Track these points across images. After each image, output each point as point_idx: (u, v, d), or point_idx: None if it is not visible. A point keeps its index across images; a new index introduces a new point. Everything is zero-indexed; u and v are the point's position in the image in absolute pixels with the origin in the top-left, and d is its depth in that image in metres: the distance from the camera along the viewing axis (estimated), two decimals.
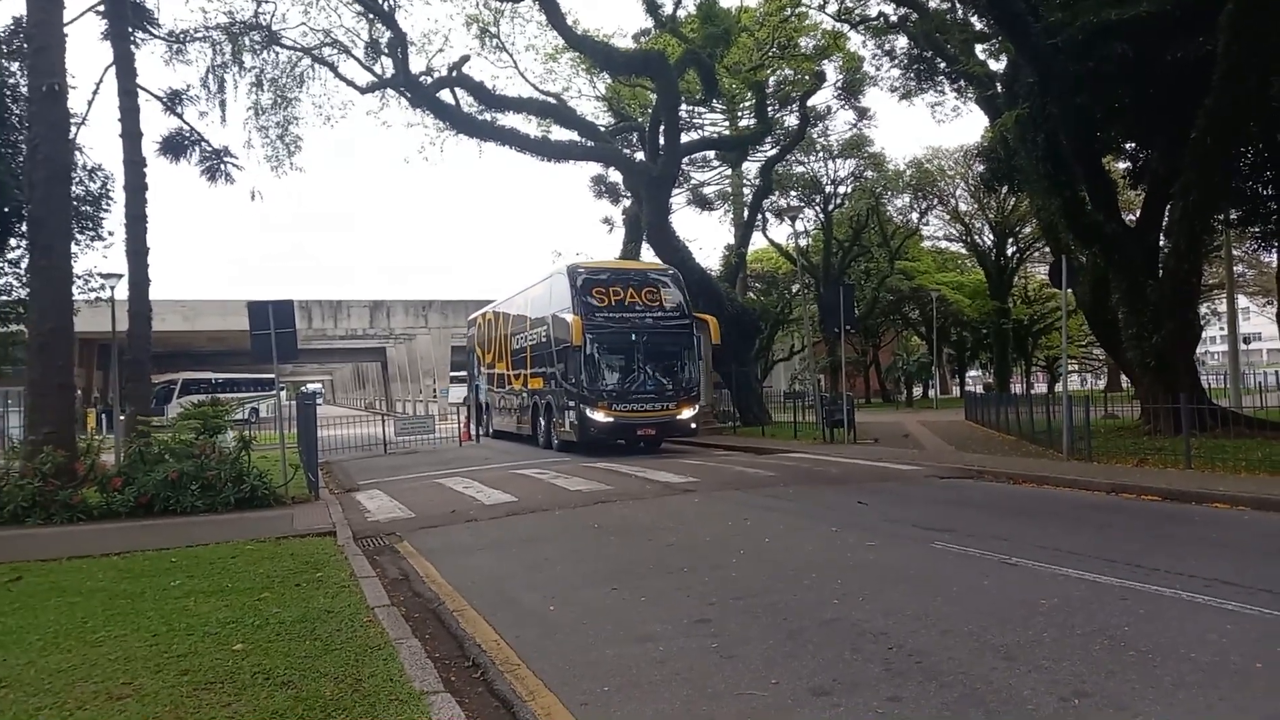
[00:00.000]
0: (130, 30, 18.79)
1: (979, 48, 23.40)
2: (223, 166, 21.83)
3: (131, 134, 17.31)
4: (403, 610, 6.27)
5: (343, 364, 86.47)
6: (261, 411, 46.20)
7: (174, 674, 4.85)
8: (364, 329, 47.71)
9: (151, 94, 20.96)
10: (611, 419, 18.57)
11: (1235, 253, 29.62)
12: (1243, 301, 42.24)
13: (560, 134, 28.48)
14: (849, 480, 13.09)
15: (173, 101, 21.46)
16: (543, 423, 21.29)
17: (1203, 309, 36.38)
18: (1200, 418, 14.82)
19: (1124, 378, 30.80)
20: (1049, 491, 11.62)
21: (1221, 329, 39.76)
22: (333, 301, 45.93)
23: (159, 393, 42.58)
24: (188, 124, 21.80)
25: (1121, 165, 24.63)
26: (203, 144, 21.75)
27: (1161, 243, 18.83)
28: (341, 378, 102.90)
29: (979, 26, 22.34)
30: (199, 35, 22.65)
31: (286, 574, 7.46)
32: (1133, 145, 21.51)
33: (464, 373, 62.22)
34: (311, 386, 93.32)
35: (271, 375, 15.03)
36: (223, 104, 23.14)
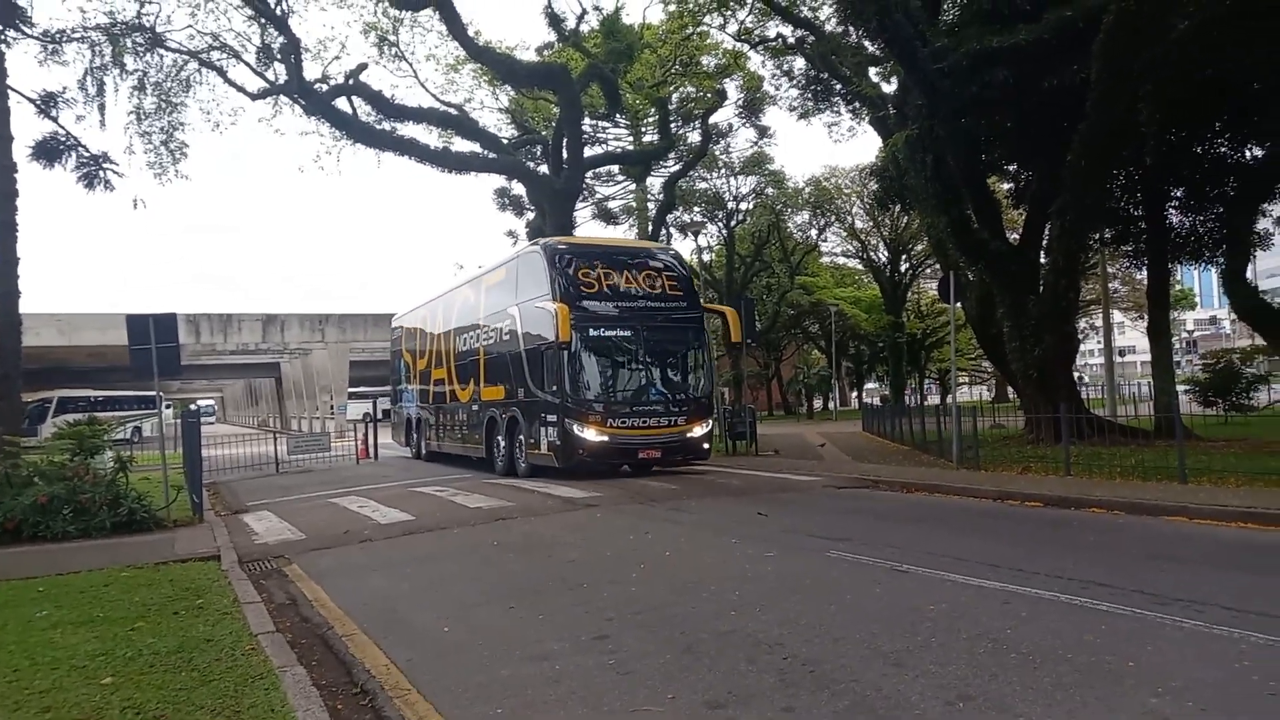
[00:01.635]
0: (1, 29, 17.71)
1: (872, 70, 24.21)
2: (101, 173, 20.63)
3: (0, 136, 16.28)
4: (289, 637, 6.01)
5: (234, 380, 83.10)
6: (145, 430, 43.95)
7: (34, 711, 4.53)
8: (256, 344, 45.99)
9: (23, 96, 19.75)
10: (606, 438, 14.79)
11: (1110, 270, 31.37)
12: (1117, 316, 44.74)
13: (462, 145, 28.14)
14: (750, 492, 13.25)
15: (47, 104, 20.23)
16: (501, 443, 17.36)
17: (1081, 323, 38.41)
18: (1079, 427, 15.58)
19: (1010, 389, 32.19)
20: (939, 500, 12.00)
21: (1098, 342, 41.98)
22: (223, 315, 44.16)
23: (32, 412, 40.07)
24: (63, 128, 20.55)
25: (1005, 186, 25.81)
26: (79, 149, 20.53)
27: (1042, 260, 19.77)
28: (233, 394, 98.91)
29: (872, 50, 23.08)
30: (77, 35, 21.41)
31: (164, 601, 7.07)
32: (1015, 167, 22.56)
33: (364, 389, 60.81)
34: (203, 403, 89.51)
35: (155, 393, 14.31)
36: (102, 108, 21.88)
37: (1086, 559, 7.42)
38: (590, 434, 14.73)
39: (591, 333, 15.01)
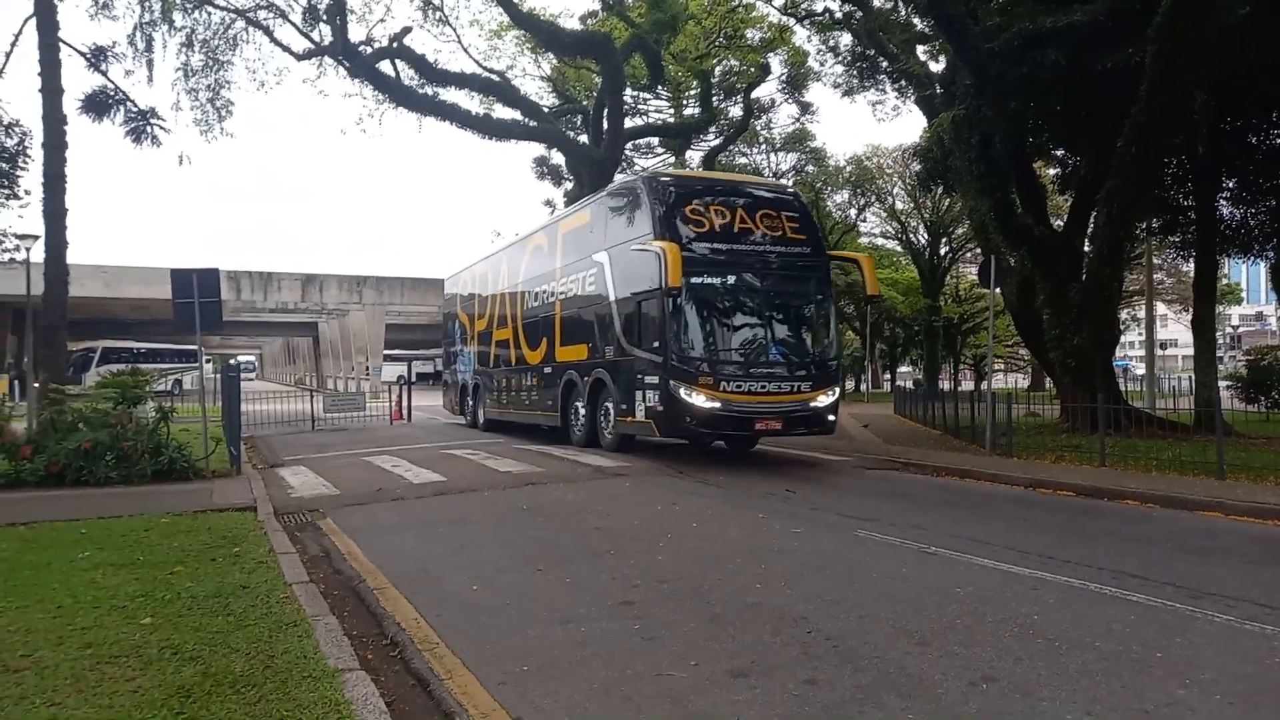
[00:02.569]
0: None
1: (920, 49, 23.79)
2: (149, 128, 20.95)
3: (52, 89, 16.50)
4: (321, 587, 6.15)
5: (273, 338, 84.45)
6: (185, 384, 44.81)
7: (77, 647, 4.68)
8: (295, 303, 46.57)
9: (74, 49, 20.04)
10: (717, 404, 12.50)
11: (1155, 261, 30.78)
12: (1160, 308, 43.91)
13: (503, 113, 28.16)
14: (779, 469, 13.25)
15: (97, 58, 20.54)
16: (581, 410, 15.50)
17: (1123, 314, 37.73)
18: (1116, 418, 15.35)
19: (1047, 377, 31.81)
20: (970, 485, 11.93)
21: (1140, 334, 41.26)
22: (263, 273, 44.73)
23: (77, 360, 41.04)
24: (112, 82, 20.86)
25: (1051, 171, 25.34)
26: (128, 104, 20.85)
27: (1086, 248, 19.42)
28: (271, 352, 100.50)
29: (920, 27, 22.70)
30: None
31: (202, 548, 7.25)
32: (1062, 151, 22.12)
33: (399, 351, 61.42)
34: (244, 359, 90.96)
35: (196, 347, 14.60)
36: (150, 63, 22.21)
37: (1118, 549, 7.36)
38: (699, 399, 12.47)
39: (703, 280, 12.78)
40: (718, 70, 32.63)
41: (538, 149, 33.44)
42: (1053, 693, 4.16)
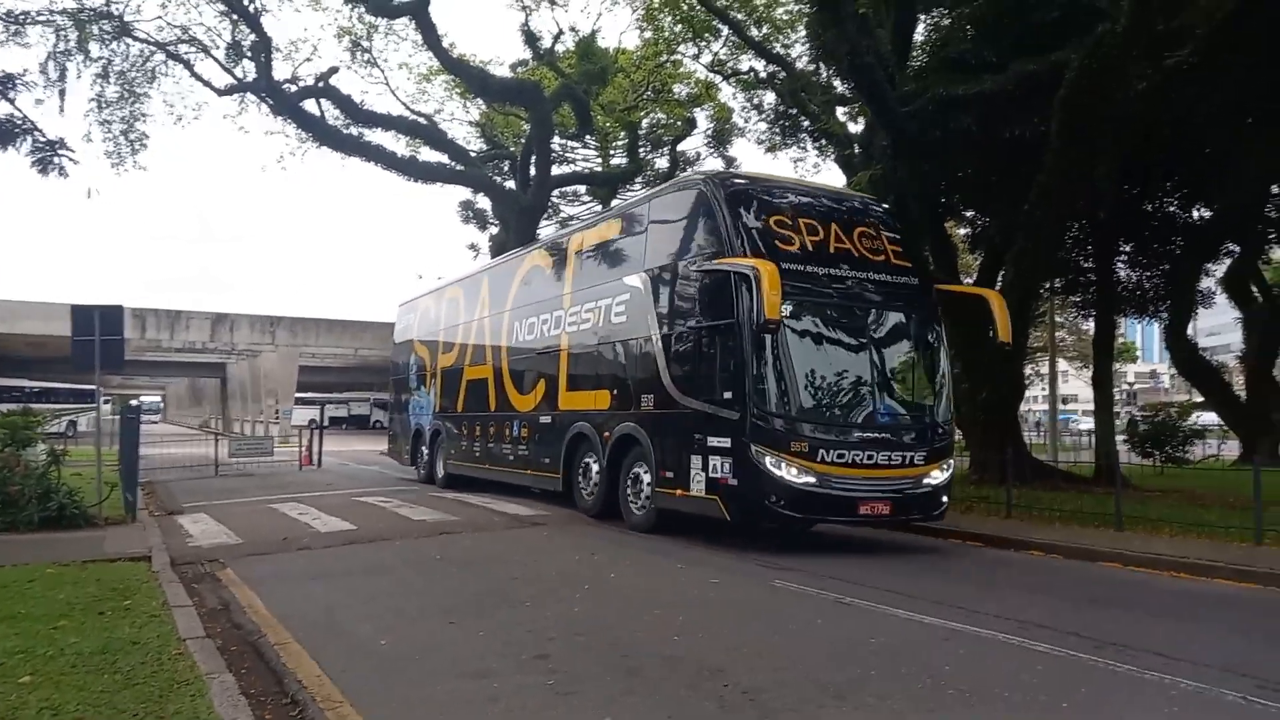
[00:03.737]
0: None
1: (840, 110, 24.63)
2: (56, 159, 20.14)
3: None
4: (219, 643, 5.84)
5: (177, 379, 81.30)
6: (81, 425, 42.70)
7: None
8: (204, 343, 44.98)
9: None
10: (813, 479, 9.51)
11: (1058, 319, 32.18)
12: (1062, 365, 45.79)
13: (430, 155, 28.01)
14: (704, 521, 13.21)
15: (5, 85, 19.76)
16: (595, 473, 12.36)
17: (1028, 369, 39.20)
18: (1021, 470, 15.83)
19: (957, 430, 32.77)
20: (883, 535, 12.08)
21: (1043, 389, 42.91)
22: (171, 311, 43.16)
23: None
24: (20, 111, 20.10)
25: (962, 230, 26.36)
26: (35, 133, 20.11)
27: None
28: (176, 393, 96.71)
29: (841, 90, 23.53)
30: (42, 18, 21.03)
31: (90, 601, 6.83)
32: (972, 212, 23.05)
33: (311, 394, 59.72)
34: (147, 399, 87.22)
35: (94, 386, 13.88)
36: (62, 93, 21.42)
37: (1025, 599, 7.52)
38: (790, 472, 9.43)
39: (798, 314, 9.87)
40: (645, 122, 33.18)
41: (464, 193, 33.32)
42: None
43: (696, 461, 10.19)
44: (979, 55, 16.64)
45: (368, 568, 8.91)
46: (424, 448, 19.13)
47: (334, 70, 24.92)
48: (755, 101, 29.18)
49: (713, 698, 4.83)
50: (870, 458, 9.88)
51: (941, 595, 7.54)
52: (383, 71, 28.57)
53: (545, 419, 14.02)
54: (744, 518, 10.03)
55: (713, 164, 33.52)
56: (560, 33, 28.19)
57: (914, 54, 19.33)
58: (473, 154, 30.35)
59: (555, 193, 32.16)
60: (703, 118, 33.42)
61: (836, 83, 23.08)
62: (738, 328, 9.74)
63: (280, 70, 24.31)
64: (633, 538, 11.09)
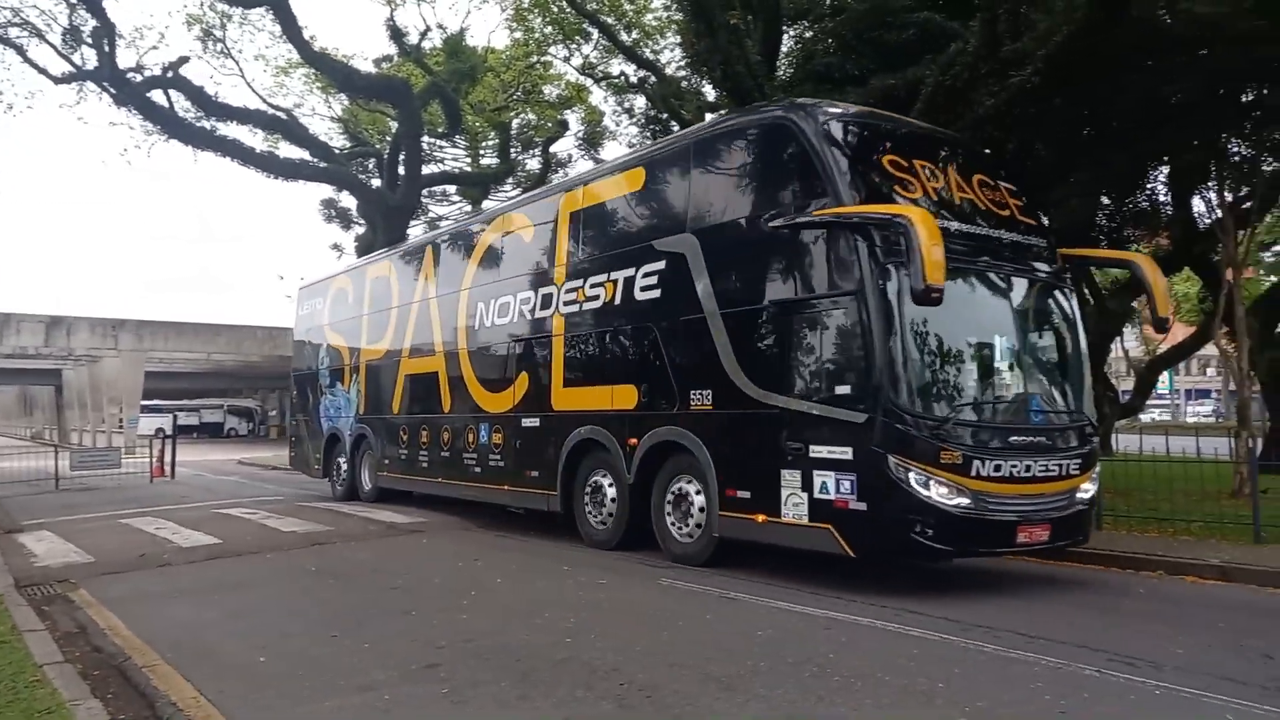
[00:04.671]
0: None
1: (709, 117, 25.16)
2: None
3: None
4: (80, 668, 5.44)
5: (6, 387, 74.95)
6: None
7: None
8: (37, 348, 41.64)
9: None
10: (967, 499, 7.36)
11: None
12: None
13: (290, 151, 26.88)
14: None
15: None
16: (609, 492, 10.03)
17: None
18: None
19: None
20: None
21: None
22: None
23: None
24: None
25: None
26: None
27: None
28: (2, 403, 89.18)
29: (711, 97, 24.06)
30: None
31: None
32: None
33: (159, 401, 56.16)
34: None
35: None
36: None
37: (901, 585, 7.88)
38: (941, 491, 7.27)
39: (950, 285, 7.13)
40: (516, 123, 32.93)
41: (325, 190, 32.13)
42: None
43: (792, 478, 7.80)
44: (842, 69, 17.26)
45: (237, 583, 8.49)
46: (341, 457, 16.22)
47: (184, 60, 23.55)
48: (626, 105, 29.45)
49: (610, 697, 4.86)
50: (1028, 469, 7.68)
51: (820, 585, 7.83)
52: (238, 63, 27.33)
53: (530, 422, 11.36)
54: (875, 552, 7.70)
55: (585, 166, 33.57)
56: (427, 29, 27.62)
57: (781, 65, 20.00)
58: (336, 151, 29.32)
59: (424, 192, 31.48)
60: (575, 120, 33.49)
61: (708, 90, 23.57)
62: (863, 300, 7.37)
63: (125, 58, 22.78)
64: (514, 541, 10.99)
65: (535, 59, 29.23)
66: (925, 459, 7.29)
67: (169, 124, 23.33)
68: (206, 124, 24.00)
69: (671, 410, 9.24)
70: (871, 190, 7.89)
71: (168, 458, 22.89)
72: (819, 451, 7.70)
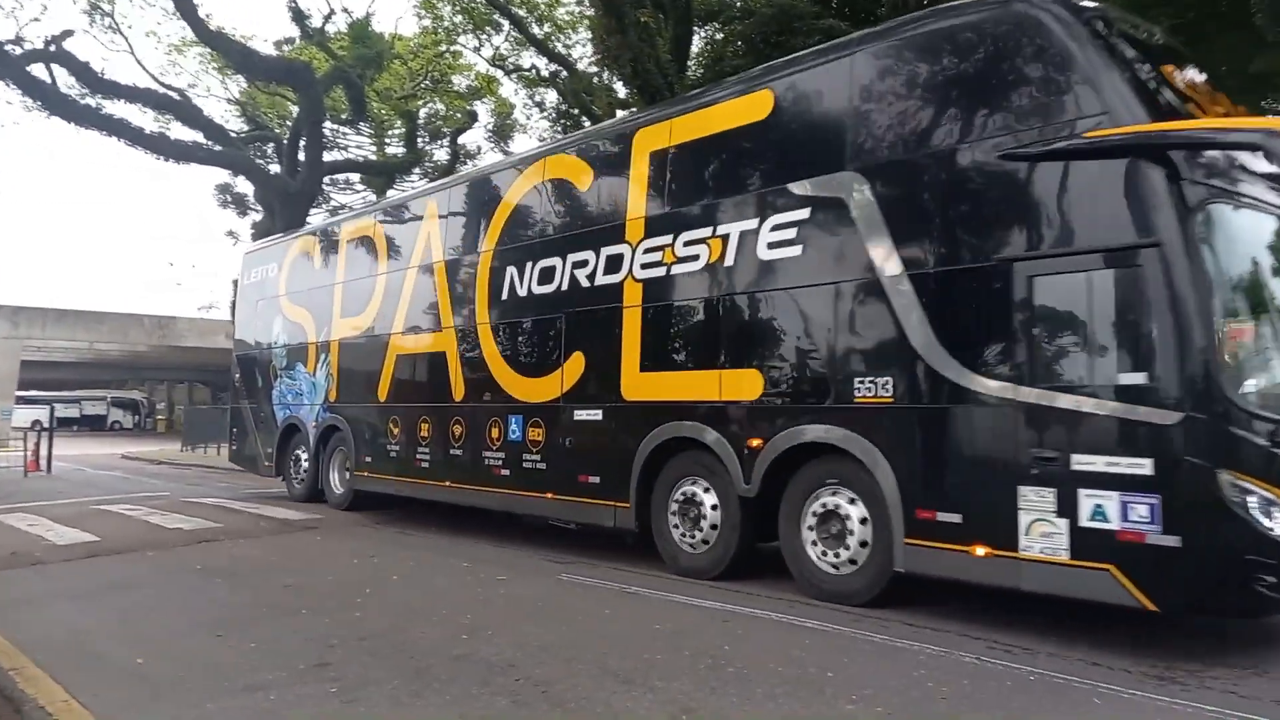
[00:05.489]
0: None
1: (622, 113, 25.25)
2: None
3: None
4: None
5: None
6: None
7: None
8: None
9: None
10: None
11: None
12: None
13: (183, 133, 25.78)
14: (490, 514, 13.09)
15: None
16: (706, 510, 8.00)
17: None
18: None
19: None
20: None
21: None
22: None
23: None
24: None
25: None
26: None
27: None
28: None
29: (622, 94, 24.13)
30: None
31: None
32: None
33: (36, 393, 52.96)
34: None
35: None
36: None
37: (791, 580, 8.05)
38: None
39: (1238, 231, 5.71)
40: (424, 112, 32.41)
41: (221, 175, 30.97)
42: (745, 717, 4.46)
43: (1040, 498, 5.84)
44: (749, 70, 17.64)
45: (117, 583, 8.10)
46: (301, 451, 13.98)
47: (69, 33, 22.37)
48: (537, 99, 29.38)
49: (505, 693, 4.84)
50: None
51: (717, 579, 7.91)
52: (127, 39, 26.13)
53: (586, 415, 9.21)
54: (1190, 604, 5.70)
55: (495, 158, 33.23)
56: (331, 12, 27.05)
57: (691, 65, 20.21)
58: (233, 134, 28.28)
59: (326, 180, 30.67)
60: (484, 111, 33.17)
61: (619, 86, 23.64)
62: (1173, 253, 5.44)
63: (3, 29, 21.50)
64: (415, 539, 10.80)
65: (445, 48, 28.83)
66: (1271, 476, 5.30)
67: (50, 100, 22.10)
68: (92, 101, 22.83)
69: (822, 402, 7.20)
70: (1158, 105, 6.06)
71: (44, 451, 21.66)
72: (1089, 462, 5.68)
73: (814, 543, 7.23)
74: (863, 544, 6.90)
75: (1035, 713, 4.62)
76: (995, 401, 6.12)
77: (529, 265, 10.09)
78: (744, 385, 7.76)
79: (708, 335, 8.22)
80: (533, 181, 10.42)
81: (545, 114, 29.17)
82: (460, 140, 32.75)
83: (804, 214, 7.45)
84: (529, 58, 27.75)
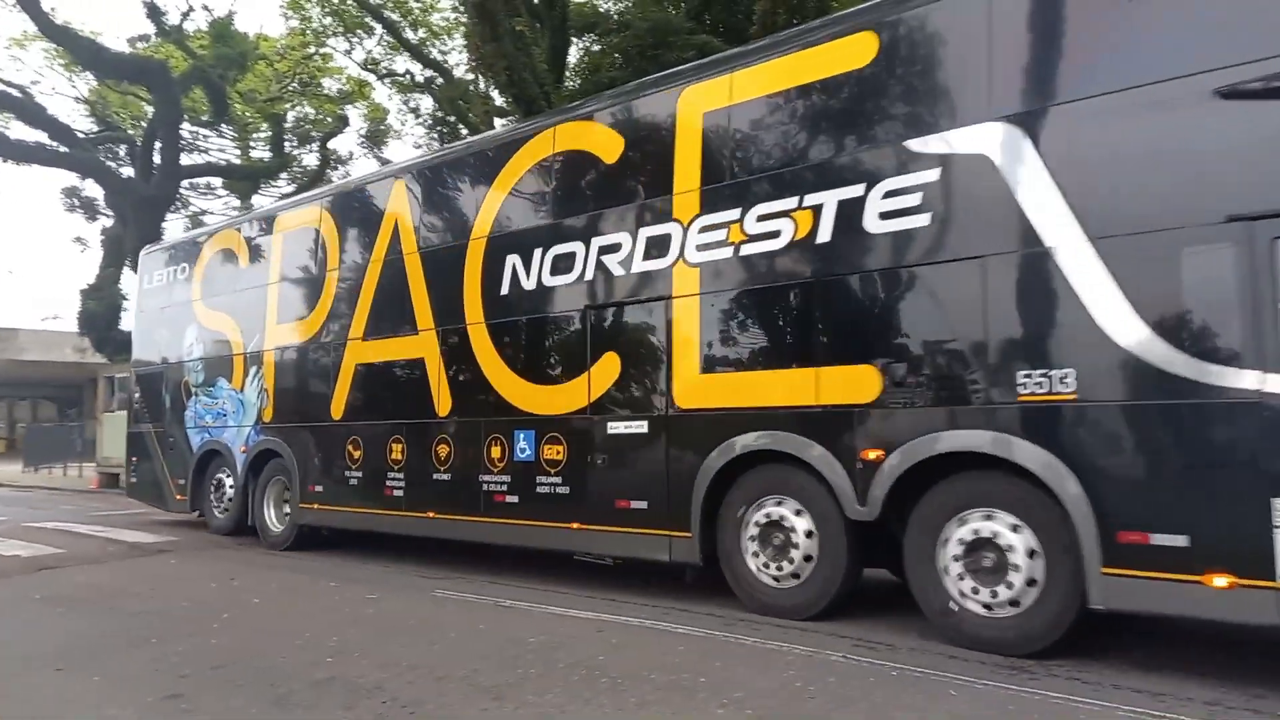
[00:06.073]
0: None
1: (499, 122, 25.03)
2: None
3: None
4: None
5: None
6: None
7: None
8: None
9: None
10: None
11: None
12: None
13: (24, 133, 24.03)
14: (352, 529, 12.66)
15: None
16: (798, 539, 6.68)
17: None
18: None
19: None
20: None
21: None
22: None
23: None
24: None
25: None
26: None
27: None
28: None
29: (499, 102, 23.93)
30: None
31: None
32: None
33: None
34: None
35: None
36: None
37: (671, 586, 8.11)
38: None
39: None
40: (291, 116, 31.27)
41: (68, 178, 29.00)
42: None
43: None
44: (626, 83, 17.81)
45: None
46: (224, 477, 12.12)
47: None
48: (412, 105, 28.84)
49: (370, 715, 4.68)
50: None
51: (592, 589, 7.94)
52: None
53: (625, 428, 7.77)
54: None
55: (367, 165, 32.33)
56: (190, 9, 25.77)
57: (569, 76, 20.25)
58: (81, 135, 26.56)
59: (186, 184, 29.18)
60: (357, 116, 32.29)
61: (495, 95, 23.43)
62: None
63: None
64: (280, 559, 10.35)
65: (314, 50, 27.92)
66: None
67: None
68: None
69: (968, 402, 5.92)
70: None
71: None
72: None
73: (960, 576, 5.89)
74: (1030, 581, 5.62)
75: (895, 706, 4.79)
76: (1235, 395, 4.95)
77: (537, 253, 8.57)
78: (853, 385, 6.41)
79: (797, 327, 6.88)
80: (538, 155, 8.84)
81: (421, 120, 28.67)
82: (330, 145, 31.77)
83: (931, 176, 6.18)
84: (403, 63, 27.20)
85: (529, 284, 8.64)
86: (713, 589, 7.90)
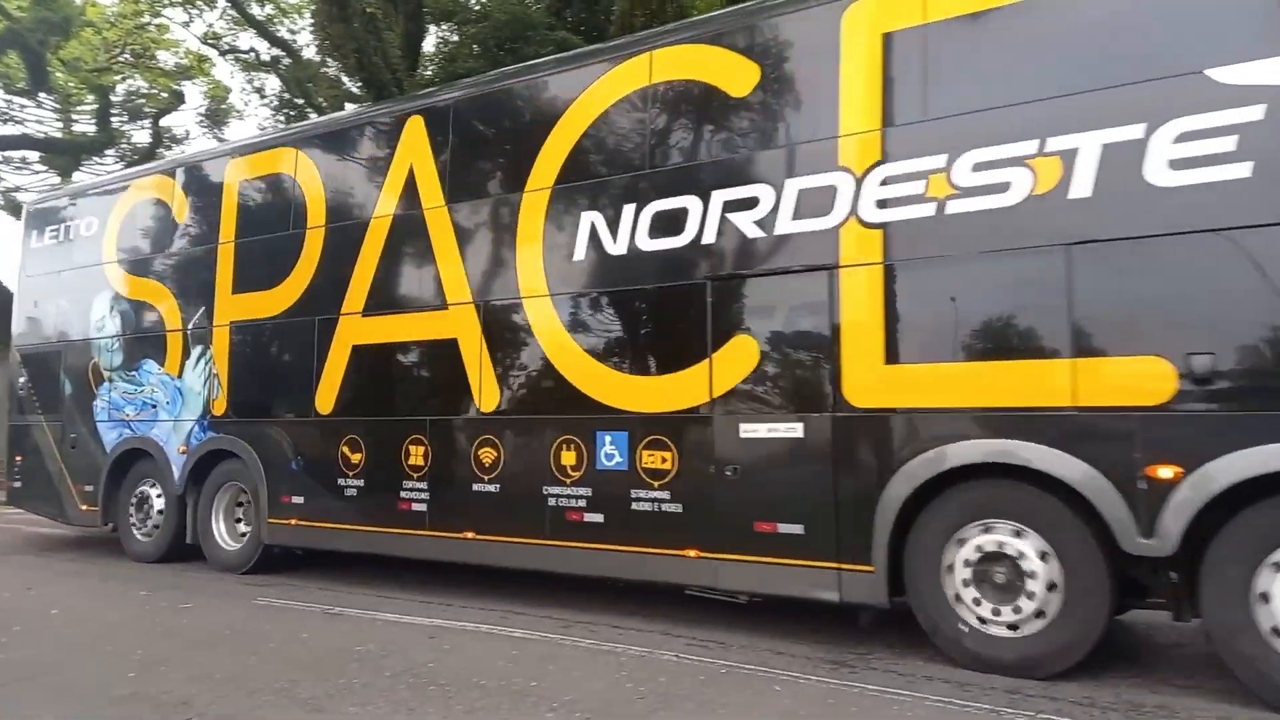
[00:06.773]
0: None
1: (349, 106, 24.13)
2: None
3: None
4: None
5: None
6: None
7: None
8: None
9: None
10: None
11: None
12: None
13: None
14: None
15: None
16: (1030, 570, 5.18)
17: None
18: None
19: None
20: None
21: None
22: None
23: None
24: None
25: None
26: None
27: None
28: None
29: (350, 86, 23.08)
30: None
31: None
32: None
33: None
34: None
35: None
36: None
37: (507, 589, 7.98)
38: None
39: None
40: (121, 88, 29.04)
41: None
42: None
43: None
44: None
45: None
46: (152, 489, 9.85)
47: None
48: (257, 84, 27.37)
49: None
50: None
51: (428, 594, 7.73)
52: None
53: (771, 430, 6.17)
54: None
55: (205, 143, 30.47)
56: None
57: (425, 63, 19.72)
58: None
59: None
60: (195, 93, 30.34)
61: (345, 78, 22.58)
62: None
63: None
64: (84, 566, 9.58)
65: (148, 19, 26.04)
66: None
67: None
68: None
69: None
70: None
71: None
72: None
73: None
74: None
75: (722, 703, 4.87)
76: None
77: (628, 210, 6.93)
78: (1129, 381, 5.01)
79: (1039, 306, 5.33)
80: (628, 86, 7.11)
81: (266, 101, 27.24)
82: (164, 122, 29.72)
83: (1249, 114, 4.81)
84: (248, 39, 25.75)
85: (615, 248, 6.98)
86: (554, 588, 7.81)
